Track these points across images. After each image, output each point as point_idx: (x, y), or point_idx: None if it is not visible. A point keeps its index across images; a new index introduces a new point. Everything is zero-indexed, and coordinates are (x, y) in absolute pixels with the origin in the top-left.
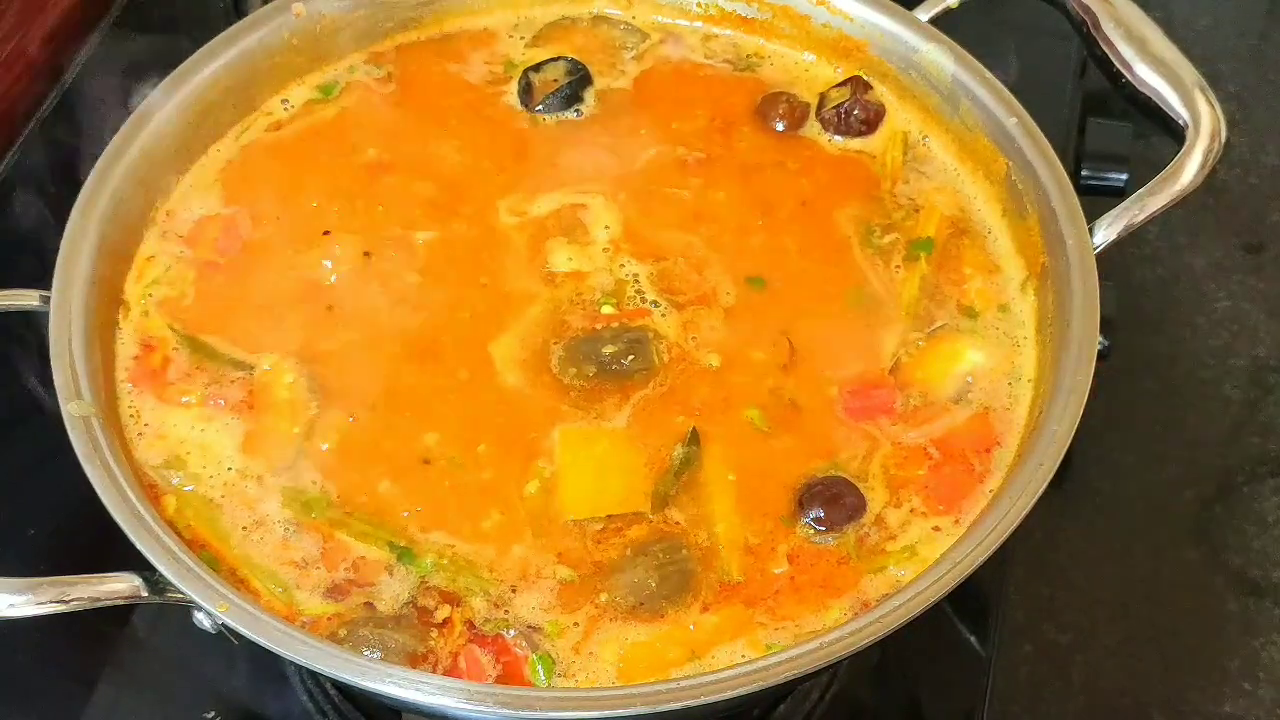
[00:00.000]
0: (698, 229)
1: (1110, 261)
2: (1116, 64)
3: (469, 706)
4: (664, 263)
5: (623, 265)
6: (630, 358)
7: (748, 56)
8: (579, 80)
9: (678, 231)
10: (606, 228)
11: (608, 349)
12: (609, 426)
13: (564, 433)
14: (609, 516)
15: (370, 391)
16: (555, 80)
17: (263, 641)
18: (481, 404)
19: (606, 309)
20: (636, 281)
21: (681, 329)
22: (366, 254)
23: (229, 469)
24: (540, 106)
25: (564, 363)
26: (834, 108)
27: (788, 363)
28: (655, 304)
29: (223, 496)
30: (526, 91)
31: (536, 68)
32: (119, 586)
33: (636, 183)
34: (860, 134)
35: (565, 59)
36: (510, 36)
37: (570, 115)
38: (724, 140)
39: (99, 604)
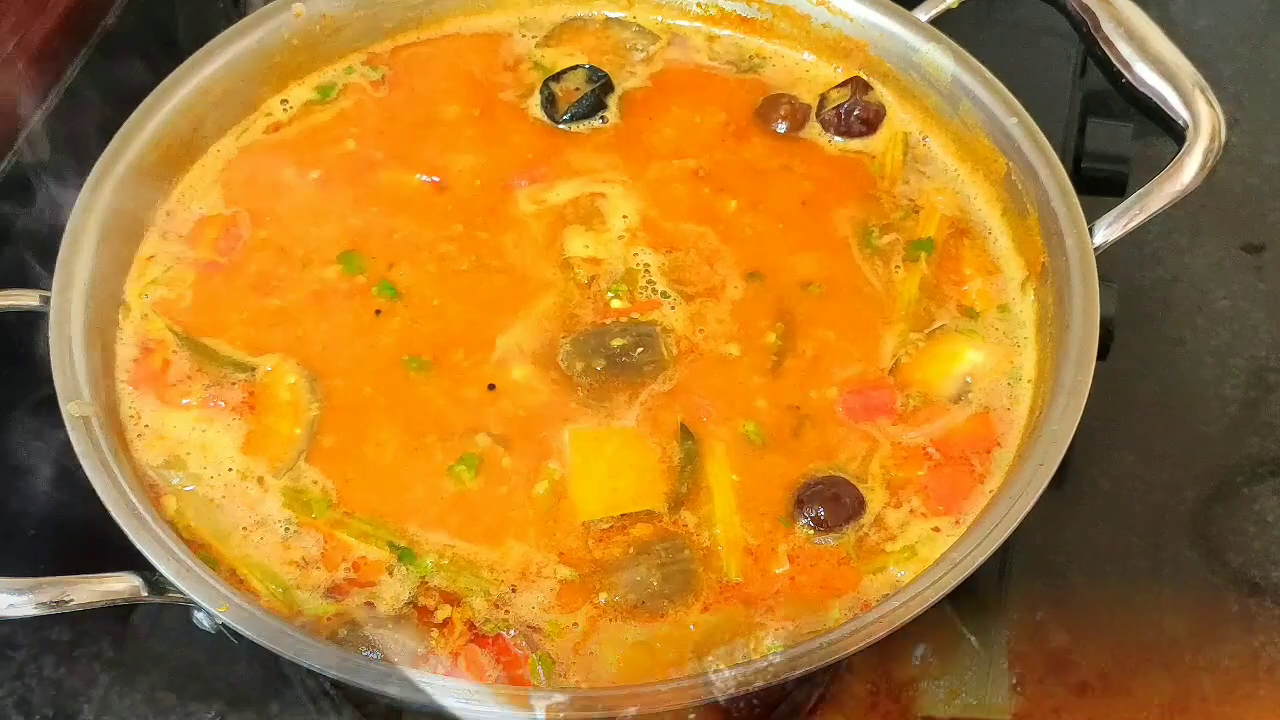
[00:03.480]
0: (708, 226)
1: (1110, 261)
2: (1116, 64)
3: (469, 706)
4: (676, 253)
5: (636, 254)
6: (639, 350)
7: (750, 58)
8: (601, 87)
9: (690, 224)
10: (624, 216)
11: (616, 341)
12: (619, 425)
13: (575, 434)
14: (621, 515)
15: (373, 391)
16: (577, 89)
17: (263, 641)
18: (488, 402)
19: (616, 303)
20: (648, 271)
21: (689, 322)
22: (370, 253)
23: (229, 469)
24: (566, 116)
25: (571, 358)
26: (834, 108)
27: (781, 345)
28: (665, 295)
29: (223, 497)
30: (550, 102)
31: (556, 77)
32: (119, 586)
33: (654, 181)
34: (860, 134)
35: (583, 66)
36: (523, 36)
37: (595, 123)
38: (735, 144)
39: (99, 604)
